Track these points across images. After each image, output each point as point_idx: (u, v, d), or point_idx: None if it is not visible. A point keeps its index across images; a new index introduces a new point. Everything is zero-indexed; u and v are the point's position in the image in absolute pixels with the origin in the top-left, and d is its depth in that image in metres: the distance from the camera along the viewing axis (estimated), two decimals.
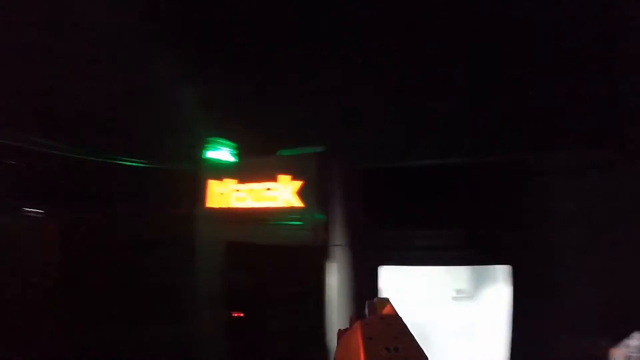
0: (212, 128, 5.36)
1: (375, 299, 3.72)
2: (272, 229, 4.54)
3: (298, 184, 4.53)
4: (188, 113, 5.29)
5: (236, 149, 5.34)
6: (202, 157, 5.23)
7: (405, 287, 3.97)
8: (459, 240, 3.69)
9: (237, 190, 4.92)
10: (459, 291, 3.61)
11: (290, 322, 4.07)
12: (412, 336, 3.24)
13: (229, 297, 4.46)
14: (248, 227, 4.72)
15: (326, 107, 4.86)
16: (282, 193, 4.59)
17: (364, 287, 4.18)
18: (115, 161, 5.30)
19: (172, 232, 5.00)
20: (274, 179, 4.66)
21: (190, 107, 5.26)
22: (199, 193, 5.05)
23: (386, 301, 3.69)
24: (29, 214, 4.82)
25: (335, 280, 4.12)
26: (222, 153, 5.28)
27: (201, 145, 5.26)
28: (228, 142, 5.32)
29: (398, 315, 3.53)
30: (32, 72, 4.06)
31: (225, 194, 4.98)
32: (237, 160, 5.27)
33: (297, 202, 4.47)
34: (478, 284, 3.56)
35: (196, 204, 5.02)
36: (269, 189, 4.69)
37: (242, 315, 4.29)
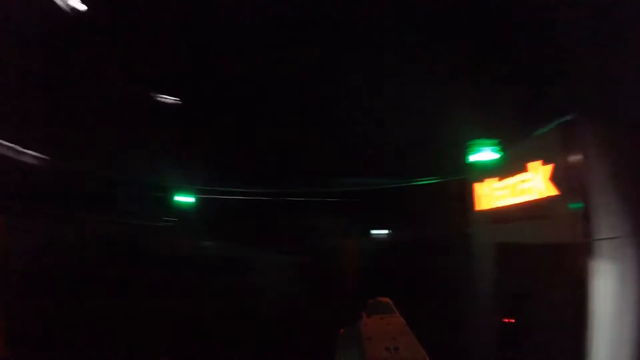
0: (474, 131, 5.27)
1: (375, 299, 3.17)
2: (531, 225, 3.92)
3: (549, 168, 3.73)
4: (460, 127, 5.48)
5: (497, 144, 4.98)
6: (468, 162, 5.24)
7: None
8: None
9: (497, 189, 4.60)
10: None
11: (553, 333, 3.32)
12: (412, 336, 2.81)
13: (499, 301, 4.18)
14: (510, 226, 4.31)
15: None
16: (534, 183, 3.92)
17: None
18: (407, 183, 6.29)
19: (452, 239, 5.29)
20: (526, 169, 4.06)
21: (462, 121, 5.44)
22: (469, 198, 5.09)
23: (387, 301, 3.07)
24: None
25: (606, 284, 3.00)
26: (484, 154, 5.08)
27: (466, 152, 5.30)
28: (489, 141, 5.06)
29: (398, 315, 2.92)
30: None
31: (488, 195, 4.77)
32: (499, 157, 4.90)
33: (552, 190, 3.67)
34: None
35: (468, 209, 5.08)
36: (523, 180, 4.12)
37: (512, 321, 3.90)
